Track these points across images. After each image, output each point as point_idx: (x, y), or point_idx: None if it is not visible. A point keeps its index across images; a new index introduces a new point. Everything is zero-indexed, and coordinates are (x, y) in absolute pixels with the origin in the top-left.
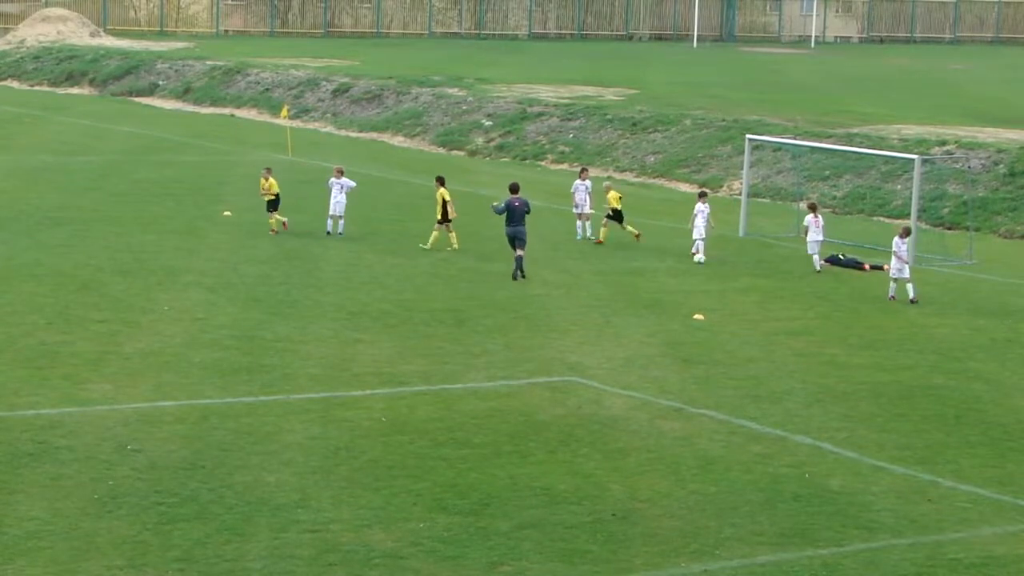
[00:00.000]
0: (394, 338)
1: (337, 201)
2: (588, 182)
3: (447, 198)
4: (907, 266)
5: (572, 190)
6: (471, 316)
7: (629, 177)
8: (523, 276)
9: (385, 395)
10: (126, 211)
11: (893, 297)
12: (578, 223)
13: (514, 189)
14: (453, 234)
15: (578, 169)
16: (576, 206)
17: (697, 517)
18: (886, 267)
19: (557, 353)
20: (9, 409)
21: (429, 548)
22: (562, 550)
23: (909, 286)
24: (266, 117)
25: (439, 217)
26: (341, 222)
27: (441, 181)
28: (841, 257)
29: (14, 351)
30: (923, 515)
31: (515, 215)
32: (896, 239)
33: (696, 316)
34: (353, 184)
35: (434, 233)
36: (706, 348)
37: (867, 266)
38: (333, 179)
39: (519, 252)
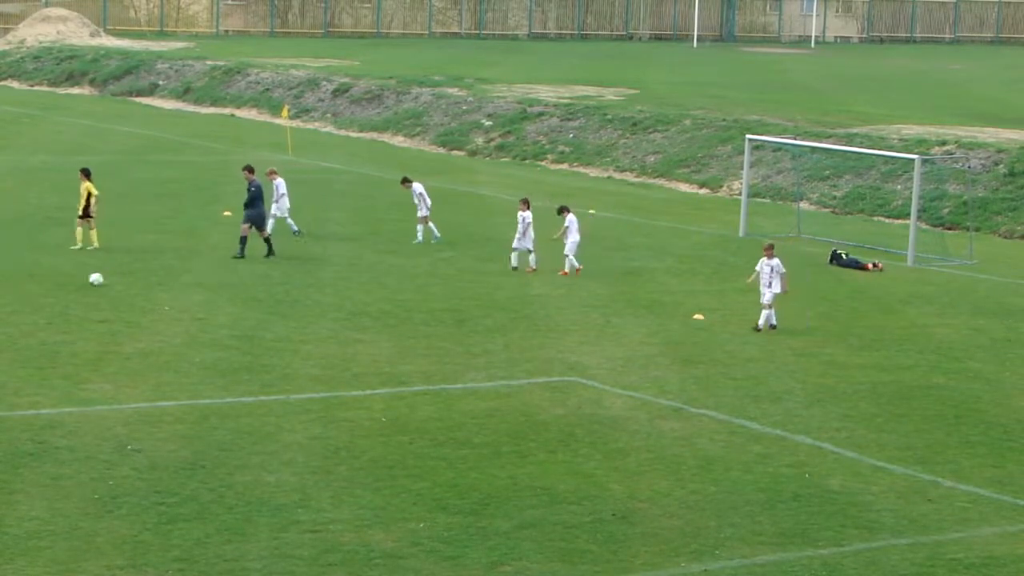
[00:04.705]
0: (394, 338)
1: (281, 203)
2: (418, 184)
3: (93, 192)
4: (771, 291)
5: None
6: (471, 316)
7: (629, 177)
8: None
9: (385, 395)
10: (126, 211)
11: (760, 328)
12: (418, 227)
13: (252, 170)
14: (94, 231)
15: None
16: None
17: (697, 517)
18: (880, 265)
19: (557, 353)
20: (9, 409)
21: (429, 548)
22: (562, 550)
23: (767, 313)
24: (266, 117)
25: (80, 212)
26: (271, 222)
27: (87, 174)
28: (844, 256)
29: (14, 351)
30: (923, 515)
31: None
32: (763, 260)
33: (696, 316)
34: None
35: (79, 230)
36: (706, 348)
37: (869, 265)
38: (281, 180)
39: (267, 232)
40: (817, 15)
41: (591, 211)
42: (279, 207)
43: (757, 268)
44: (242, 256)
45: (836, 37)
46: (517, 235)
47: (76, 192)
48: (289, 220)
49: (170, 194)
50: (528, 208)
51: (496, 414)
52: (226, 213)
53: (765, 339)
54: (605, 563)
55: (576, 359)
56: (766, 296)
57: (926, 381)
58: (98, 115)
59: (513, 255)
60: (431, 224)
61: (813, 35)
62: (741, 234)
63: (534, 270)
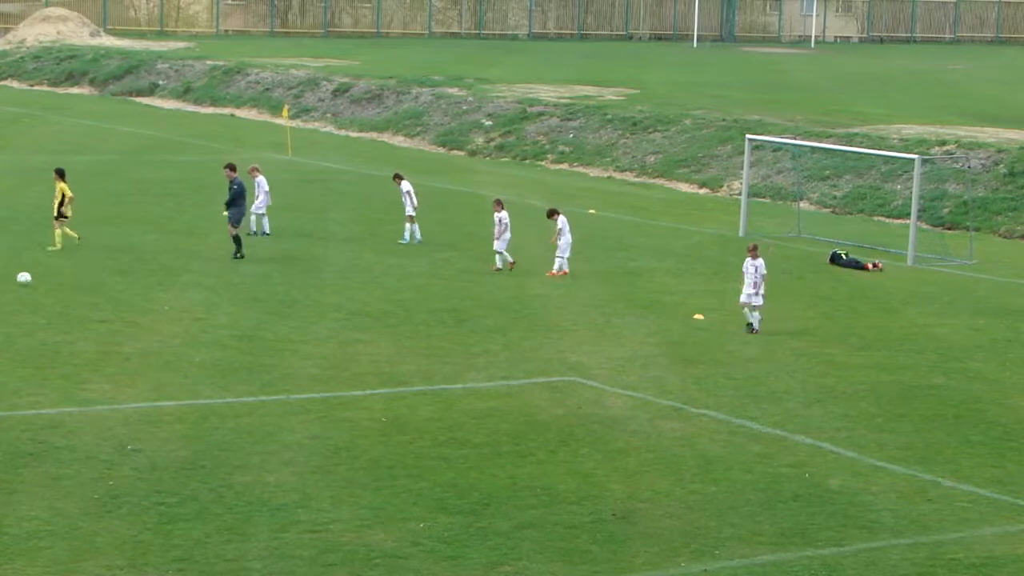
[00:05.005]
0: (394, 338)
1: (260, 201)
2: (407, 183)
3: (67, 193)
4: (757, 294)
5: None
6: (471, 316)
7: (629, 177)
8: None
9: (385, 395)
10: (126, 211)
11: (756, 330)
12: (413, 226)
13: (235, 168)
14: (66, 229)
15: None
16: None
17: (697, 517)
18: (880, 265)
19: (557, 353)
20: (9, 409)
21: (429, 548)
22: (562, 550)
23: (755, 313)
24: (266, 117)
25: (55, 213)
26: (265, 220)
27: (61, 175)
28: (844, 257)
29: (14, 351)
30: (923, 515)
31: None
32: (748, 260)
33: (696, 316)
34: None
35: (57, 231)
36: (706, 348)
37: (869, 265)
38: (262, 178)
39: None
40: (817, 15)
41: (591, 211)
42: (259, 205)
43: (744, 269)
44: (241, 256)
45: (836, 37)
46: (496, 237)
47: (74, 192)
48: (254, 217)
49: (170, 194)
50: (503, 209)
51: (496, 414)
52: (225, 213)
53: (765, 339)
54: (605, 563)
55: (576, 359)
56: (752, 297)
57: (926, 381)
58: (98, 115)
59: (497, 257)
60: (407, 225)
61: (813, 35)
62: (741, 234)
63: (513, 264)
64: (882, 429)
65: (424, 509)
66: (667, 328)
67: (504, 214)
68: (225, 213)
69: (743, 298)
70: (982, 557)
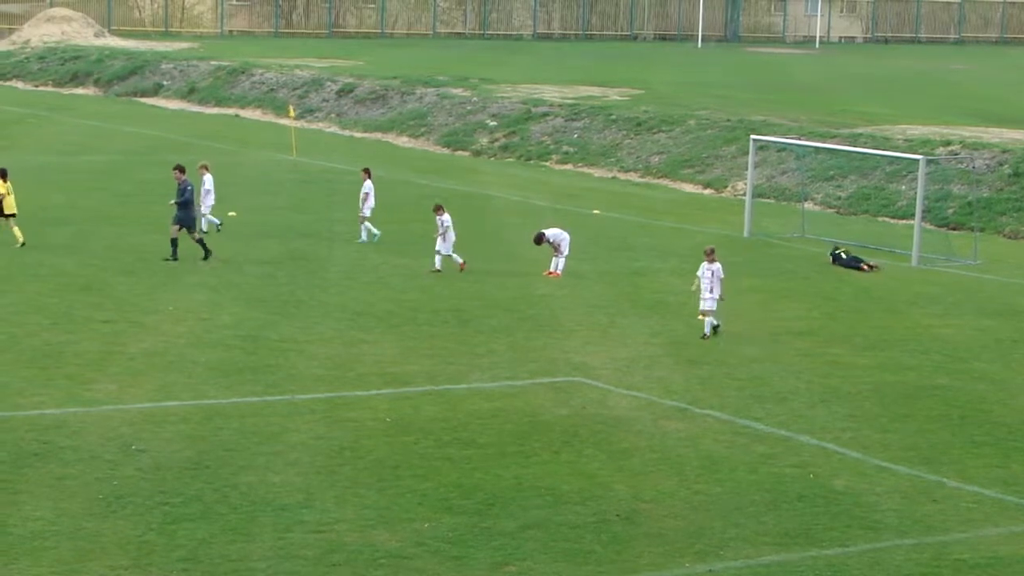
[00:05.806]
0: (398, 338)
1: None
2: (369, 182)
3: (2, 192)
4: (712, 297)
5: (364, 191)
6: (475, 316)
7: (633, 177)
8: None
9: (389, 395)
10: (130, 211)
11: (707, 336)
12: (363, 226)
13: (184, 169)
14: (16, 229)
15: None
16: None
17: (701, 517)
18: (875, 265)
19: (561, 353)
20: (13, 409)
21: (434, 548)
22: (567, 550)
23: (708, 319)
24: (271, 117)
25: (6, 212)
26: (203, 220)
27: (3, 175)
28: (843, 256)
29: (18, 351)
30: (928, 515)
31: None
32: (704, 264)
33: (700, 316)
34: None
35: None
36: (710, 348)
37: (865, 266)
38: (209, 176)
39: (198, 234)
40: (821, 15)
41: (595, 211)
42: (206, 203)
43: (699, 273)
44: (175, 259)
45: (840, 37)
46: (438, 239)
47: (79, 192)
48: (210, 216)
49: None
50: (444, 212)
51: (500, 414)
52: (231, 213)
53: (769, 339)
54: (609, 563)
55: (580, 359)
56: (707, 302)
57: (931, 381)
58: (103, 115)
59: (437, 259)
60: (367, 224)
61: (817, 35)
62: (745, 235)
63: (439, 271)
64: (887, 429)
65: (429, 509)
66: (671, 328)
67: (446, 217)
68: (231, 213)
69: (705, 305)
70: (987, 558)
